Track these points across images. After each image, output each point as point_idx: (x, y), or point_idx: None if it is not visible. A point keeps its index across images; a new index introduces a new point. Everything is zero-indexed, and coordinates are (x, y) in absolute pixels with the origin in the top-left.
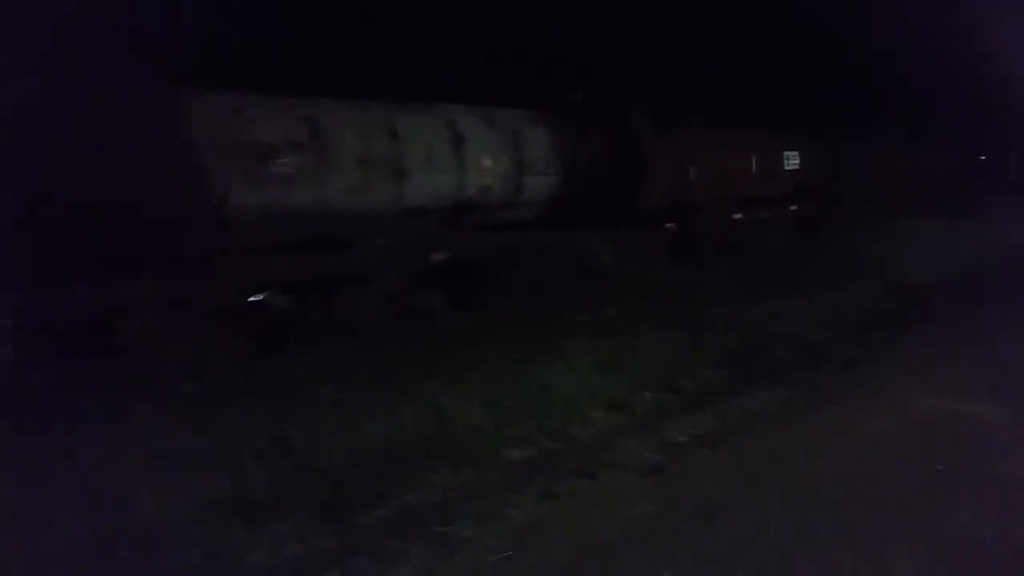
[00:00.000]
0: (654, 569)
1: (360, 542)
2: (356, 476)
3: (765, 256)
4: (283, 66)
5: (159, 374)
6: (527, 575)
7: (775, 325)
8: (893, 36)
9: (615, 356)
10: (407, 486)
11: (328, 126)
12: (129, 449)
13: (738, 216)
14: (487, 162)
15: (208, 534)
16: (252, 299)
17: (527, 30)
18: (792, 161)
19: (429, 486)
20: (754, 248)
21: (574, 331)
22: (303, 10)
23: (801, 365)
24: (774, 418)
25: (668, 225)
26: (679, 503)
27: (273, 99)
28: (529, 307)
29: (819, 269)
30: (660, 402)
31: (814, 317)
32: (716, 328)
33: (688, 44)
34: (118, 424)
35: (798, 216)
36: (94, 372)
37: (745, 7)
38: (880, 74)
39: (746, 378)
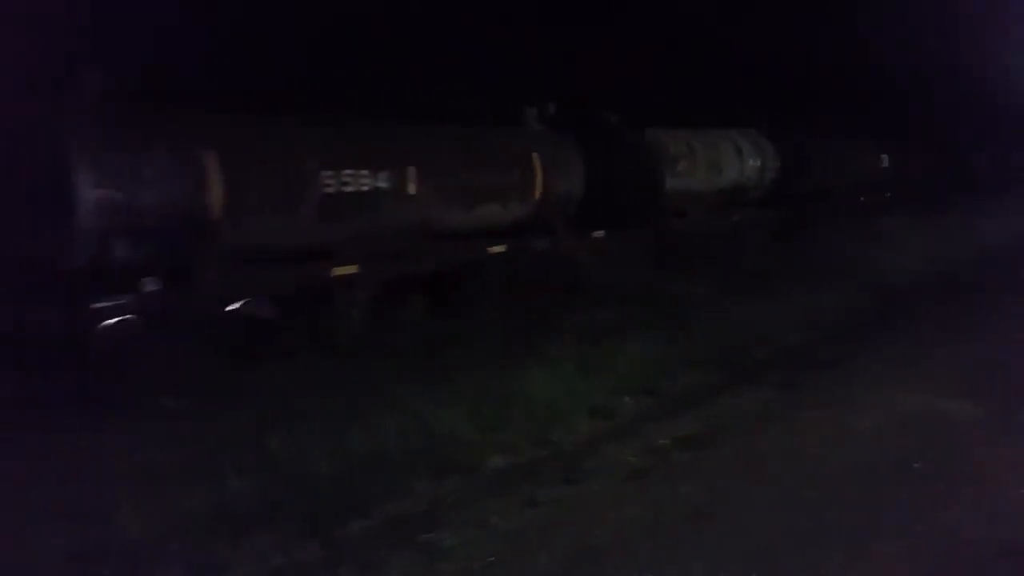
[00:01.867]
0: (639, 573)
1: (344, 553)
2: (339, 487)
3: (745, 258)
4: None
5: (139, 386)
6: None
7: (756, 326)
8: (868, 37)
9: (597, 361)
10: (390, 496)
11: (695, 145)
12: (109, 462)
13: (862, 198)
14: (751, 162)
15: (190, 548)
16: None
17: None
18: (885, 162)
19: (412, 495)
20: (734, 250)
21: (556, 336)
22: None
23: (782, 366)
24: (756, 419)
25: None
26: (663, 507)
27: (671, 130)
28: (511, 313)
29: (799, 270)
30: (643, 406)
31: (794, 318)
32: (698, 330)
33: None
34: (98, 437)
35: (891, 201)
36: (74, 384)
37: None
38: (863, 76)
39: (728, 380)
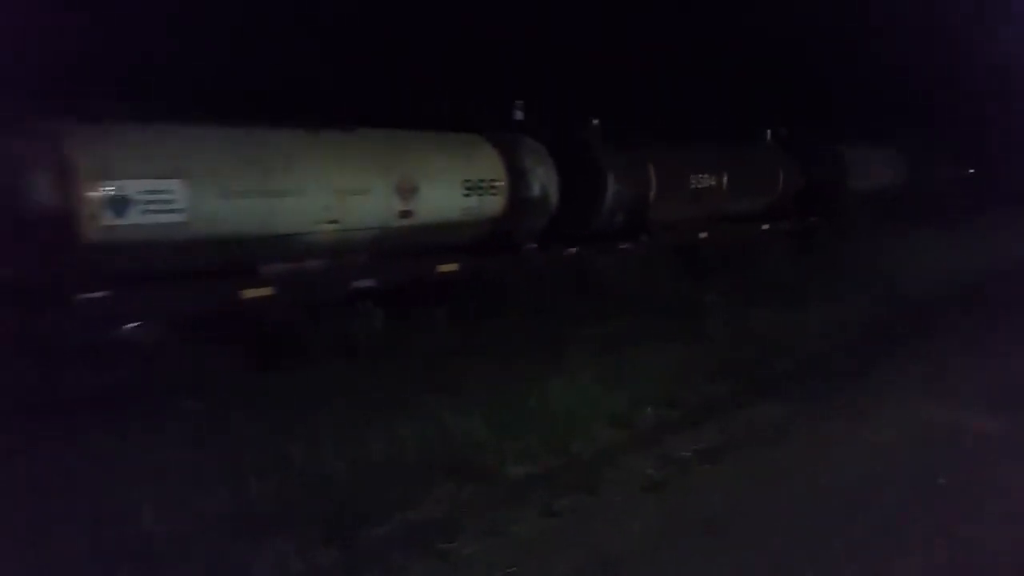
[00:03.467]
0: None
1: (363, 559)
2: (358, 492)
3: (767, 268)
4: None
5: (161, 388)
6: None
7: (777, 337)
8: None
9: (617, 370)
10: (409, 502)
11: (859, 155)
12: (131, 464)
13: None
14: (890, 170)
15: (210, 550)
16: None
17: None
18: (971, 170)
19: (432, 502)
20: (756, 260)
21: (576, 345)
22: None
23: (803, 377)
24: (776, 431)
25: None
26: (681, 518)
27: (848, 144)
28: (532, 322)
29: (819, 281)
30: (662, 417)
31: (815, 329)
32: (718, 341)
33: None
34: (120, 438)
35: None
36: (96, 385)
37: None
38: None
39: (748, 391)
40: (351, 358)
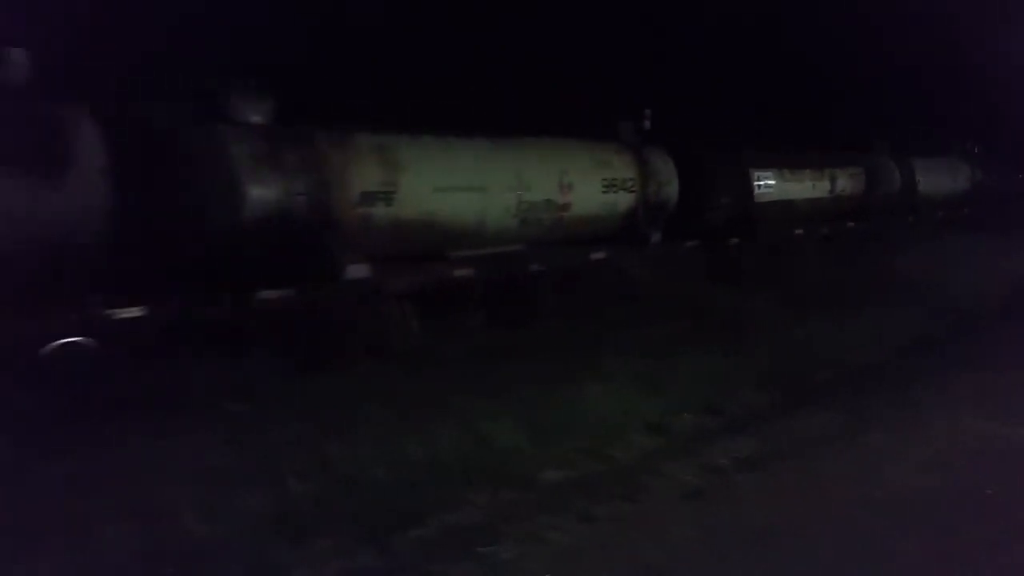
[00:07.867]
0: None
1: (401, 562)
2: (397, 495)
3: (807, 276)
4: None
5: (203, 391)
6: None
7: (818, 346)
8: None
9: (655, 377)
10: (447, 506)
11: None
12: (174, 465)
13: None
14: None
15: (251, 551)
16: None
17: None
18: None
19: (469, 506)
20: (795, 268)
21: (614, 351)
22: None
23: (845, 387)
24: (817, 442)
25: None
26: (720, 528)
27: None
28: (569, 327)
29: (862, 289)
30: (701, 424)
31: (857, 338)
32: (758, 349)
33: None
34: (163, 440)
35: None
36: (139, 388)
37: None
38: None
39: (789, 400)
40: (388, 361)
